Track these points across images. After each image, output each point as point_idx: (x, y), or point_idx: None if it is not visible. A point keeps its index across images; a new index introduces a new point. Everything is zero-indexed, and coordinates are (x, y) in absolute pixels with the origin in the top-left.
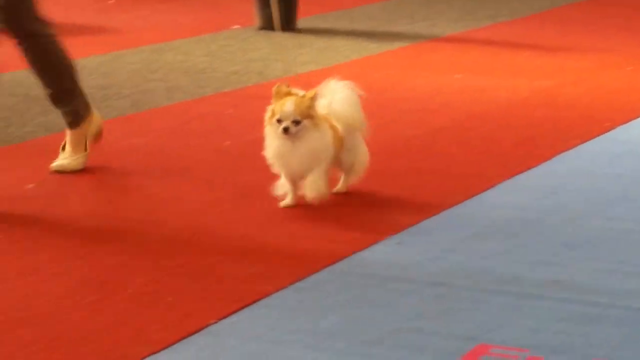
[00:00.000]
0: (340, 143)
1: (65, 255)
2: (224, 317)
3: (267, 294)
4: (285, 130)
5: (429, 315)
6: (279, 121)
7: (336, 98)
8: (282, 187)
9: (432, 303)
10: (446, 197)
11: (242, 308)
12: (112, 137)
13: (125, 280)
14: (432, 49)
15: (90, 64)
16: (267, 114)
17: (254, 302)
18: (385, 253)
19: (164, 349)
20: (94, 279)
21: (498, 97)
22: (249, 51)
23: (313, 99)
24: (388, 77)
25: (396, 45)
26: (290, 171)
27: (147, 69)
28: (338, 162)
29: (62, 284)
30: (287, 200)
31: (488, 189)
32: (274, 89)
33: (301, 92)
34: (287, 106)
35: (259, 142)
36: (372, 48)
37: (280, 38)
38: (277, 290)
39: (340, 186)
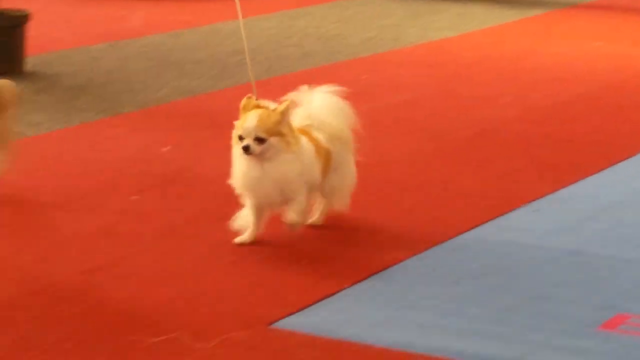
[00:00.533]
0: (327, 160)
1: (202, 217)
2: (359, 282)
3: (401, 260)
4: (245, 149)
5: (566, 283)
6: (241, 139)
7: (315, 105)
8: (243, 219)
9: (570, 271)
10: (584, 166)
11: (377, 273)
12: None
13: (262, 242)
14: (571, 16)
15: (225, 29)
16: (234, 131)
17: (389, 267)
18: (523, 220)
19: (298, 311)
20: (231, 239)
21: (638, 65)
22: (382, 17)
23: (284, 113)
24: (525, 45)
25: (534, 13)
26: (259, 200)
27: (281, 34)
28: (326, 183)
29: (199, 246)
30: (244, 237)
31: (627, 158)
32: (242, 102)
33: (273, 106)
34: (248, 121)
35: (392, 108)
36: (510, 15)
37: (414, 4)
38: (412, 256)
39: (316, 217)
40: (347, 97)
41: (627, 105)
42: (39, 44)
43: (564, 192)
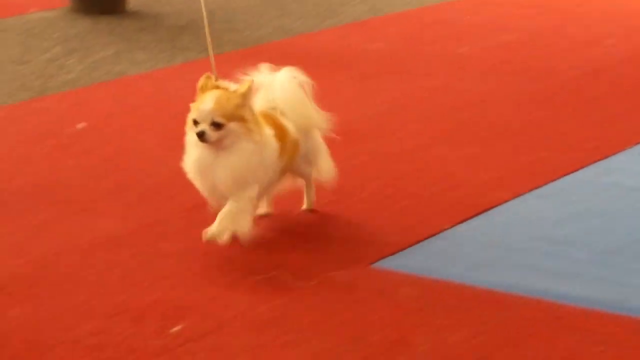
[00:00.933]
0: (294, 148)
1: None
2: (459, 223)
3: (503, 201)
4: (200, 135)
5: None
6: (195, 123)
7: (277, 95)
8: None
9: None
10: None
11: (478, 214)
12: (349, 41)
13: (362, 183)
14: None
15: None
16: (189, 115)
17: (490, 208)
18: (627, 163)
19: (398, 251)
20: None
21: None
22: None
23: (245, 95)
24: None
25: None
26: (211, 191)
27: None
28: (297, 172)
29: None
30: (211, 230)
31: None
32: (200, 81)
33: (234, 86)
34: (205, 103)
35: (496, 49)
36: None
37: None
38: (514, 197)
39: (305, 204)
40: (446, 38)
41: None
42: None
43: (582, 173)
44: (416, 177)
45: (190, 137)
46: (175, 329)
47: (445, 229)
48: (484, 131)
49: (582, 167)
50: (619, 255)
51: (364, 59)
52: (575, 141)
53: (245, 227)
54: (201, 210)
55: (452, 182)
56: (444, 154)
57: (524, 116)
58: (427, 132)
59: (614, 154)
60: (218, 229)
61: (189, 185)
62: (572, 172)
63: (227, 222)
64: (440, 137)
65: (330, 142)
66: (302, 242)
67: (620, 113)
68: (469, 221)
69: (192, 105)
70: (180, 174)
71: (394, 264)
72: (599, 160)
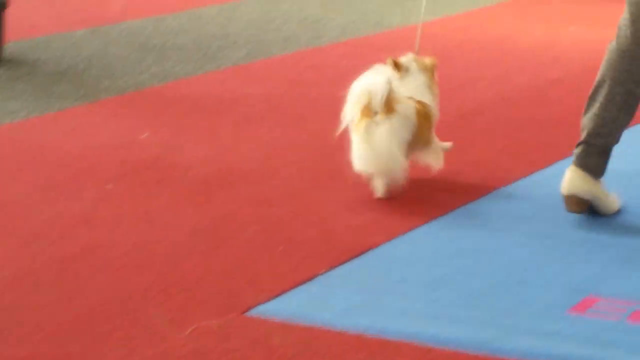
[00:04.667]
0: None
1: (178, 203)
2: (335, 267)
3: (378, 244)
4: None
5: (538, 266)
6: None
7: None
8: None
9: (543, 254)
10: (561, 147)
11: (353, 258)
12: (228, 86)
13: (238, 228)
14: (548, 0)
15: (207, 14)
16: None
17: (365, 252)
18: (497, 204)
19: (275, 297)
20: (207, 226)
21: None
22: (364, 1)
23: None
24: (503, 29)
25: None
26: None
27: (263, 18)
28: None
29: (176, 232)
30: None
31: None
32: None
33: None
34: None
35: None
36: None
37: None
38: (388, 241)
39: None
40: (324, 82)
41: None
42: (18, 30)
43: (538, 175)
44: (293, 221)
45: None
46: None
47: (320, 274)
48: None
49: (454, 209)
50: (487, 296)
51: (242, 103)
52: (448, 182)
53: None
54: (76, 260)
55: (327, 226)
56: (321, 198)
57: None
58: (304, 176)
59: (484, 195)
60: None
61: (64, 233)
62: (445, 213)
63: None
64: (317, 181)
65: (206, 187)
66: (176, 290)
67: (494, 153)
68: (343, 265)
69: None
70: (56, 222)
71: (268, 310)
72: (470, 201)
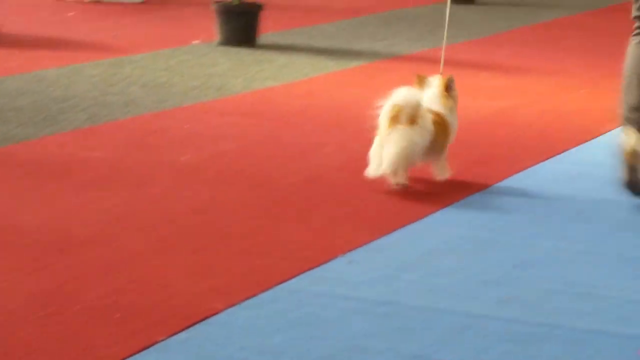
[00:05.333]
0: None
1: (15, 269)
2: (173, 334)
3: (217, 311)
4: None
5: (378, 334)
6: None
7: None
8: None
9: (382, 322)
10: (400, 216)
11: (192, 325)
12: (69, 150)
13: (75, 295)
14: (392, 68)
15: (49, 77)
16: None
17: (204, 319)
18: (337, 271)
19: None
20: (44, 293)
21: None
22: (208, 66)
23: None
24: (347, 95)
25: (356, 64)
26: None
27: (105, 82)
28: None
29: (11, 299)
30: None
31: (444, 207)
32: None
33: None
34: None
35: (216, 157)
36: (332, 66)
37: (240, 54)
38: (228, 307)
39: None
40: (167, 146)
41: (447, 156)
42: None
43: (380, 242)
44: (132, 288)
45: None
46: None
47: (159, 341)
48: (203, 239)
49: (295, 276)
50: None
51: (84, 167)
52: (290, 249)
53: None
54: None
55: (168, 292)
56: (162, 263)
57: (242, 224)
58: (146, 241)
59: (326, 261)
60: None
61: None
62: (286, 280)
63: None
64: (159, 246)
65: (43, 252)
66: (13, 354)
67: (334, 221)
68: (182, 332)
69: None
70: None
71: None
72: (311, 268)
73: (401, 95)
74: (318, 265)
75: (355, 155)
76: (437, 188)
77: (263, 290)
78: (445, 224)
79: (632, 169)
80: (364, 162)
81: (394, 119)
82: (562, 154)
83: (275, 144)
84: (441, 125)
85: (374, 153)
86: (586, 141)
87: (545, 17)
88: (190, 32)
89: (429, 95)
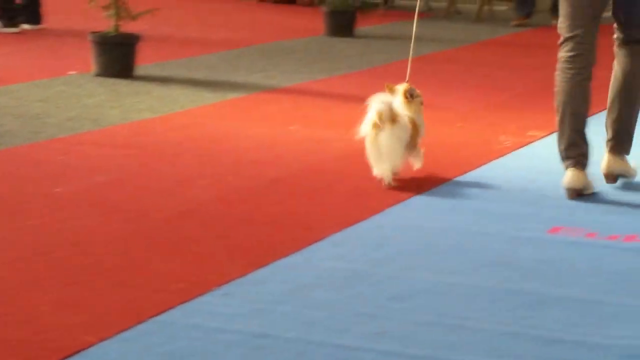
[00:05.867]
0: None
1: None
2: None
3: (89, 345)
4: None
5: None
6: None
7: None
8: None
9: (257, 355)
10: (277, 248)
11: (64, 359)
12: None
13: None
14: (269, 100)
15: None
16: None
17: (76, 352)
18: (212, 304)
19: None
20: None
21: (333, 148)
22: (85, 97)
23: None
24: (224, 127)
25: (233, 95)
26: None
27: None
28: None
29: None
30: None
31: (319, 240)
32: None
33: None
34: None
35: (91, 189)
36: (210, 97)
37: (117, 85)
38: (100, 341)
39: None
40: (42, 178)
41: (321, 188)
42: None
43: (255, 275)
44: (3, 321)
45: None
46: None
47: None
48: (76, 272)
49: (169, 309)
50: None
51: None
52: (164, 282)
53: None
54: None
55: (39, 325)
56: (33, 296)
57: (116, 257)
58: (17, 273)
59: (200, 294)
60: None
61: None
62: (160, 313)
63: None
64: (30, 278)
65: None
66: None
67: (209, 253)
68: None
69: None
70: None
71: None
72: (186, 301)
73: (379, 100)
74: (193, 298)
75: (230, 188)
76: (312, 221)
77: (136, 324)
78: (320, 257)
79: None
80: (238, 195)
81: (380, 121)
82: (438, 187)
83: (150, 177)
84: (412, 124)
85: (369, 154)
86: (462, 174)
87: (422, 51)
88: (67, 63)
89: (398, 101)
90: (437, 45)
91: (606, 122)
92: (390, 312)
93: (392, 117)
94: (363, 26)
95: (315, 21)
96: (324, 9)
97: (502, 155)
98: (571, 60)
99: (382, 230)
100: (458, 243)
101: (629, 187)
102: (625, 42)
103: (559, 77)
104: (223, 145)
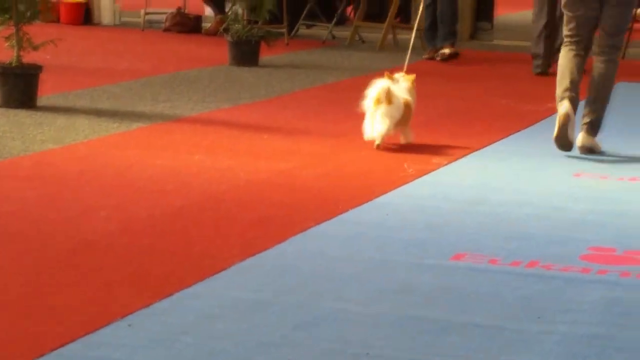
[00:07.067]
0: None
1: None
2: None
3: None
4: None
5: None
6: None
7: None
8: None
9: None
10: (181, 278)
11: None
12: None
13: None
14: (173, 129)
15: None
16: None
17: None
18: (115, 335)
19: None
20: None
21: (237, 178)
22: None
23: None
24: (128, 157)
25: (138, 125)
26: None
27: None
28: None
29: None
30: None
31: (223, 269)
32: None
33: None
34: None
35: None
36: (113, 128)
37: (19, 116)
38: None
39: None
40: None
41: (225, 217)
42: None
43: (159, 305)
44: None
45: None
46: None
47: None
48: None
49: (71, 341)
50: None
51: None
52: (66, 314)
53: None
54: None
55: None
56: None
57: (16, 289)
58: None
59: (103, 326)
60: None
61: None
62: (61, 345)
63: None
64: None
65: None
66: None
67: (113, 284)
68: None
69: None
70: None
71: None
72: (88, 333)
73: (380, 84)
74: (95, 330)
75: (134, 218)
76: (216, 250)
77: (38, 356)
78: (224, 287)
79: (562, 127)
80: (142, 225)
81: (378, 100)
82: (342, 215)
83: (53, 207)
84: (406, 105)
85: (367, 123)
86: (365, 202)
87: (326, 79)
88: None
89: (398, 86)
90: (341, 73)
91: (584, 110)
92: (294, 341)
93: (388, 98)
94: (267, 55)
95: (219, 51)
96: (228, 38)
97: (406, 183)
98: (574, 44)
99: (286, 258)
100: (361, 271)
101: (532, 214)
102: (603, 48)
103: (562, 55)
104: (127, 175)
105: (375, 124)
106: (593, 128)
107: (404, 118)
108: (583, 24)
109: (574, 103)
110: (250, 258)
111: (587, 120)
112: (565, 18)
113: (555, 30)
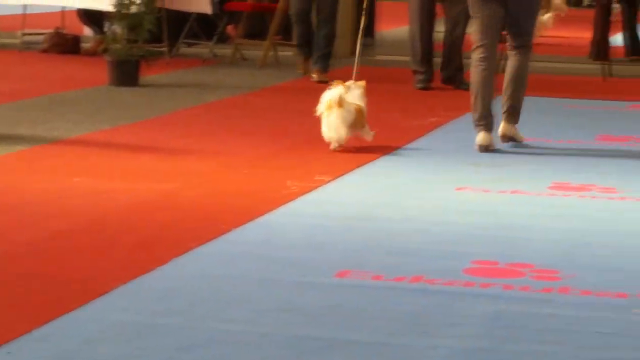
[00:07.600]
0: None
1: None
2: None
3: None
4: None
5: None
6: None
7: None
8: None
9: None
10: (62, 302)
11: None
12: None
13: None
14: (53, 152)
15: None
16: None
17: None
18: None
19: None
20: None
21: (118, 199)
22: None
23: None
24: (7, 181)
25: (17, 149)
26: None
27: None
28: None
29: None
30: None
31: (105, 293)
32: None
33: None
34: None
35: None
36: None
37: None
38: None
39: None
40: None
41: (106, 240)
42: None
43: (40, 331)
44: None
45: None
46: None
47: None
48: None
49: None
50: None
51: None
52: None
53: None
54: None
55: None
56: None
57: None
58: None
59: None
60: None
61: None
62: None
63: None
64: None
65: None
66: None
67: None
68: None
69: None
70: None
71: None
72: None
73: (332, 91)
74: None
75: (12, 243)
76: (97, 274)
77: None
78: (106, 311)
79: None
80: (21, 249)
81: (330, 105)
82: (224, 235)
83: None
84: (358, 110)
85: (323, 127)
86: (248, 221)
87: (209, 98)
88: None
89: (350, 93)
90: (223, 92)
91: (502, 100)
92: None
93: (339, 103)
94: (148, 75)
95: (99, 71)
96: (107, 58)
97: (289, 201)
98: (482, 60)
99: (168, 281)
100: (244, 291)
101: (415, 229)
102: (514, 47)
103: (473, 71)
104: (6, 199)
105: (330, 128)
106: (513, 115)
107: (358, 122)
108: (488, 26)
109: (490, 129)
110: (132, 281)
111: (505, 108)
112: (472, 21)
113: (431, 46)
